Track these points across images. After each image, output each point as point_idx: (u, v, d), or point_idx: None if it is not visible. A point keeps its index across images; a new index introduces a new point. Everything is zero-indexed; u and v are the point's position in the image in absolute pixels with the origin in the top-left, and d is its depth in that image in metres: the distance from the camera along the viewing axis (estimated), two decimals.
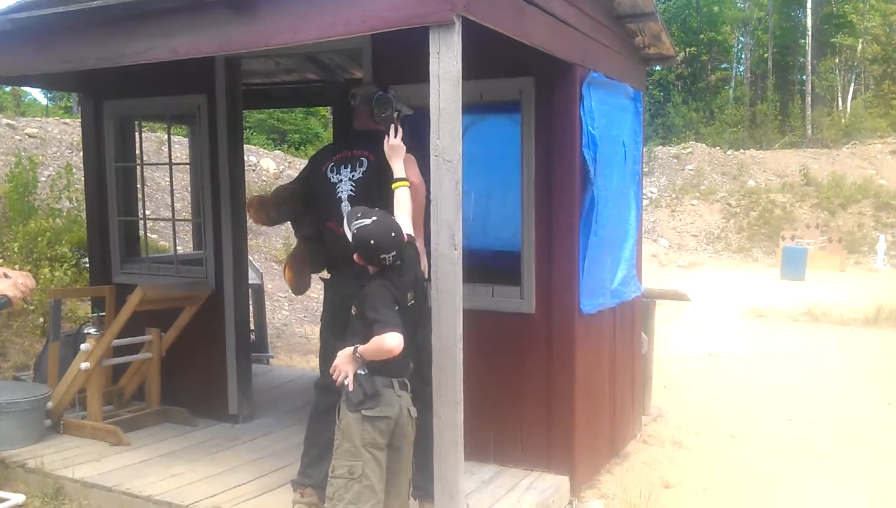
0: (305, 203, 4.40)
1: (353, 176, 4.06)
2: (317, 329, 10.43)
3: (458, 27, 3.18)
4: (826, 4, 39.16)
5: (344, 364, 3.29)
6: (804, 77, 38.44)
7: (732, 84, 41.70)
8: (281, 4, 3.54)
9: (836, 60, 39.48)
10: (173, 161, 7.22)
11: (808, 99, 36.52)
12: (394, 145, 3.71)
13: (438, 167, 3.28)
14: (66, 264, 8.61)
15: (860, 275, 18.73)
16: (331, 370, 3.34)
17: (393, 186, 3.67)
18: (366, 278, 3.39)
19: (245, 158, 7.30)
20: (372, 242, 3.27)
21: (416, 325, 3.47)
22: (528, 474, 4.72)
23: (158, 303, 5.56)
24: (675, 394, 7.72)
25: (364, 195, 3.98)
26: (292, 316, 11.11)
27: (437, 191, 3.32)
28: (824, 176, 25.58)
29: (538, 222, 4.71)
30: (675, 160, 28.71)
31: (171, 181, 7.21)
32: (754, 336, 11.09)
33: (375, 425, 3.27)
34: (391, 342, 3.10)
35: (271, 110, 27.06)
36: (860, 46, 38.23)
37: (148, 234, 8.00)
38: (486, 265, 4.87)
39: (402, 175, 3.68)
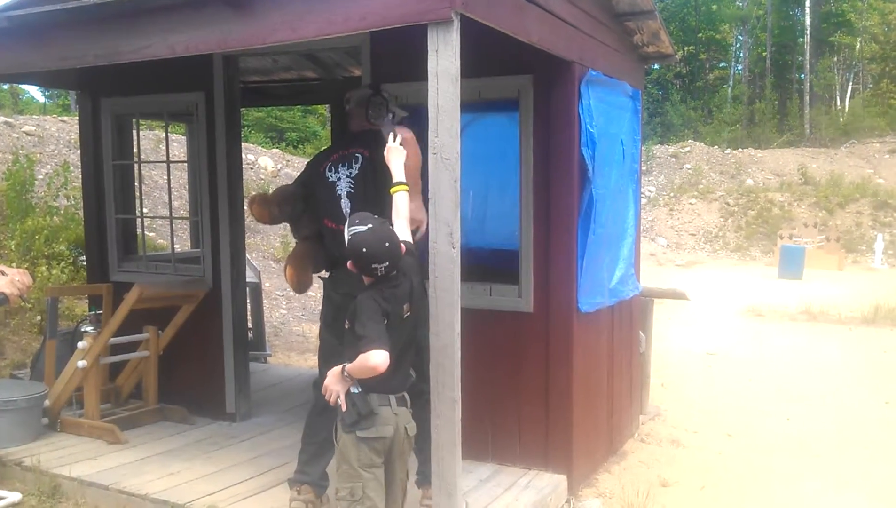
0: (304, 205, 4.42)
1: (350, 173, 4.09)
2: (314, 328, 10.46)
3: (456, 25, 3.17)
4: (824, 3, 39.16)
5: (334, 384, 3.21)
6: (802, 76, 38.43)
7: (731, 83, 41.69)
8: (280, 2, 3.52)
9: (835, 59, 39.47)
10: (171, 159, 7.20)
11: (807, 98, 36.51)
12: (393, 149, 3.67)
13: (437, 165, 3.28)
14: (64, 262, 8.60)
15: (858, 274, 18.74)
16: (322, 391, 3.27)
17: (391, 190, 3.61)
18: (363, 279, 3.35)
19: (243, 156, 7.27)
20: (364, 250, 3.19)
21: (413, 336, 3.40)
22: (526, 472, 4.71)
23: (156, 301, 5.56)
24: (673, 393, 7.72)
25: (362, 191, 4.00)
26: (290, 315, 11.11)
27: (435, 189, 3.31)
28: (822, 175, 25.60)
29: (536, 221, 4.70)
30: (673, 159, 28.71)
31: (169, 179, 7.20)
32: (752, 335, 11.09)
33: (371, 445, 3.21)
34: (375, 359, 3.01)
35: (269, 108, 27.02)
36: (858, 45, 38.21)
37: (145, 232, 7.99)
38: (485, 264, 4.87)
39: (402, 179, 3.61)
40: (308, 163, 4.77)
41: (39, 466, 4.75)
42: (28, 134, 13.23)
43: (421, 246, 3.64)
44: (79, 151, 6.74)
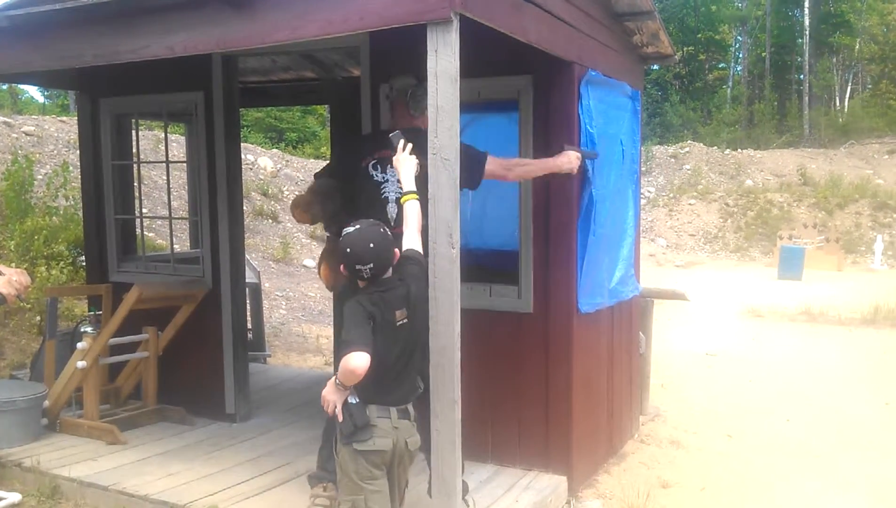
0: (343, 198, 4.23)
1: (390, 176, 3.92)
2: (314, 328, 10.47)
3: (455, 25, 3.17)
4: (824, 4, 39.19)
5: (330, 395, 3.10)
6: (802, 76, 38.47)
7: (730, 83, 41.73)
8: (279, 2, 3.52)
9: (834, 60, 39.53)
10: (170, 159, 7.20)
11: (806, 98, 36.56)
12: (402, 159, 3.57)
13: (436, 165, 3.27)
14: (63, 263, 8.59)
15: (858, 275, 18.74)
16: (321, 402, 3.18)
17: (401, 200, 3.50)
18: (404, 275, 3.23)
19: (242, 156, 7.28)
20: (348, 250, 3.09)
21: (415, 345, 3.27)
22: (526, 473, 4.71)
23: (155, 302, 5.55)
24: (673, 394, 7.72)
25: None
26: (290, 315, 11.11)
27: (434, 189, 3.30)
28: (822, 176, 25.61)
29: (536, 222, 4.70)
30: (672, 160, 28.73)
31: (168, 179, 7.20)
32: (752, 336, 11.10)
33: (369, 458, 3.10)
34: (353, 361, 2.88)
35: (269, 109, 27.05)
36: (857, 46, 38.27)
37: (145, 232, 7.98)
38: (484, 264, 4.87)
39: (412, 188, 3.49)
40: (343, 147, 4.56)
41: (39, 467, 4.74)
42: (27, 134, 13.24)
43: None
44: (78, 152, 6.73)
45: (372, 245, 3.09)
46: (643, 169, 23.47)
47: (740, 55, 42.36)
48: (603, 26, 5.14)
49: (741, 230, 23.75)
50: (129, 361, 5.78)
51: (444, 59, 3.19)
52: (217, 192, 5.75)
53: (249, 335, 7.45)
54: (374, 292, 3.12)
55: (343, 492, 3.19)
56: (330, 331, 9.45)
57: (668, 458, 5.82)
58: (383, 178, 4.01)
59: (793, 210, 23.78)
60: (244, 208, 6.18)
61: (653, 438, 6.22)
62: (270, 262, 13.52)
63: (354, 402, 3.08)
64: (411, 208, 3.43)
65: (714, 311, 12.82)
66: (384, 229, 3.20)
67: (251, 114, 27.82)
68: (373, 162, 4.05)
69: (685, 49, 40.90)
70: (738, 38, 42.43)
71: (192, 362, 5.87)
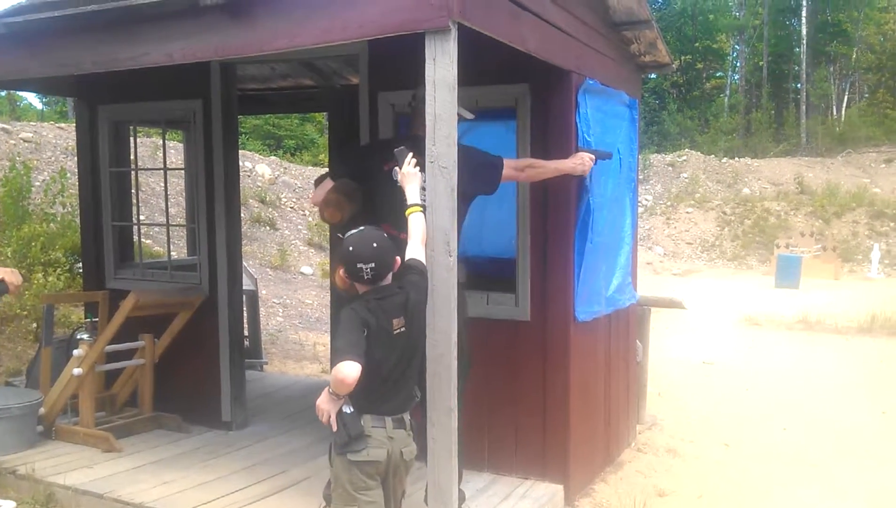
0: (363, 201, 4.16)
1: (423, 185, 3.95)
2: (311, 336, 10.45)
3: (453, 33, 3.17)
4: (821, 13, 39.33)
5: (324, 404, 3.06)
6: (799, 85, 38.57)
7: (727, 92, 41.83)
8: (278, 10, 3.52)
9: (831, 69, 39.64)
10: (168, 166, 7.20)
11: (803, 107, 36.65)
12: (407, 173, 3.56)
13: (434, 173, 3.28)
14: (60, 269, 8.58)
15: (854, 283, 18.76)
16: (316, 411, 3.14)
17: (406, 212, 3.48)
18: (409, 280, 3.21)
19: (240, 163, 7.27)
20: (350, 248, 3.09)
21: (413, 354, 3.24)
22: (523, 482, 4.70)
23: (152, 309, 5.54)
24: (670, 402, 7.72)
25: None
26: (287, 323, 11.09)
27: (432, 197, 3.31)
28: (819, 184, 25.68)
29: (533, 229, 4.71)
30: (670, 168, 28.78)
31: (166, 186, 7.21)
32: (749, 344, 11.10)
33: (363, 469, 3.07)
34: (343, 370, 2.84)
35: (267, 116, 27.08)
36: (855, 55, 38.41)
37: (142, 239, 7.97)
38: (482, 272, 4.86)
39: (416, 200, 3.48)
40: (363, 149, 4.54)
41: (34, 474, 4.72)
42: (25, 141, 13.24)
43: None
44: (76, 158, 6.73)
45: (375, 245, 3.10)
46: (640, 177, 23.49)
47: (738, 64, 42.48)
48: (600, 35, 5.15)
49: (738, 239, 23.79)
50: (126, 368, 5.77)
51: (441, 68, 3.19)
52: (215, 199, 5.75)
53: (246, 343, 7.44)
54: (371, 299, 3.10)
55: (337, 503, 3.17)
56: (327, 339, 9.44)
57: (665, 467, 5.82)
58: None
59: (790, 219, 23.83)
60: (242, 215, 6.17)
61: (649, 446, 6.21)
62: (268, 269, 13.51)
63: (349, 412, 3.05)
64: (416, 220, 3.42)
65: (711, 319, 12.82)
66: (387, 235, 3.22)
67: (249, 121, 27.83)
68: (396, 167, 4.03)
69: (683, 58, 41.00)
70: (736, 47, 42.55)
71: (189, 369, 5.86)
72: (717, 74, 45.42)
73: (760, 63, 40.42)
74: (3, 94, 29.67)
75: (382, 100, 5.00)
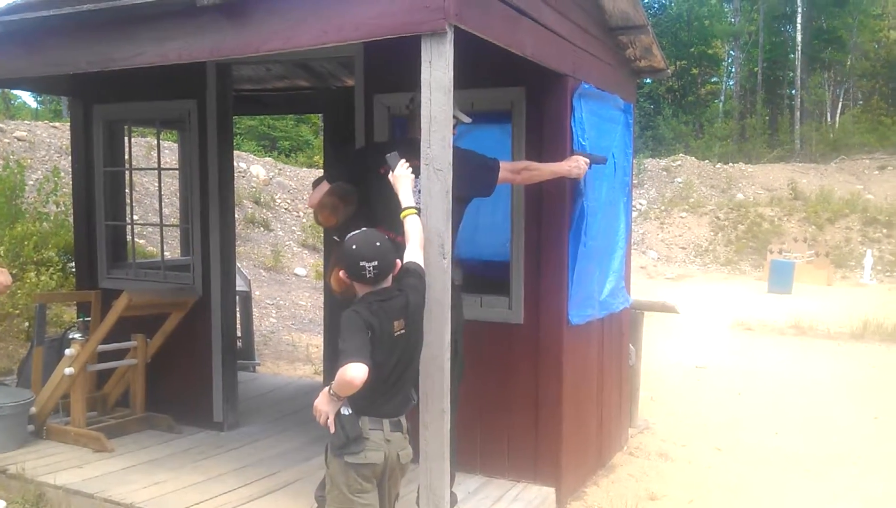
0: (360, 204, 4.16)
1: (418, 188, 3.95)
2: (304, 337, 10.44)
3: (450, 36, 3.17)
4: (816, 20, 39.50)
5: (323, 405, 3.06)
6: (793, 92, 38.76)
7: (722, 98, 41.97)
8: (274, 11, 3.52)
9: (826, 76, 39.82)
10: (162, 166, 7.19)
11: (797, 113, 36.82)
12: (399, 176, 3.56)
13: (428, 176, 3.28)
14: (53, 269, 8.56)
15: (847, 289, 18.83)
16: (313, 412, 3.13)
17: (402, 215, 3.46)
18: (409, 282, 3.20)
19: (235, 164, 7.27)
20: (353, 247, 3.09)
21: (411, 357, 3.23)
22: (515, 485, 4.70)
23: (144, 309, 5.53)
24: (663, 406, 7.73)
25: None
26: (279, 324, 11.08)
27: (427, 199, 3.31)
28: (812, 190, 25.78)
29: (527, 233, 4.71)
30: (664, 173, 28.85)
31: (160, 186, 7.18)
32: (741, 349, 11.13)
33: (360, 471, 3.06)
34: (351, 372, 2.82)
35: (262, 117, 27.03)
36: (849, 62, 38.57)
37: (135, 239, 7.96)
38: (476, 275, 4.86)
39: (411, 203, 3.47)
40: (358, 153, 4.55)
41: (24, 474, 4.70)
42: (19, 139, 13.20)
43: None
44: (70, 157, 6.71)
45: (378, 244, 3.10)
46: (635, 182, 23.60)
47: (733, 70, 42.62)
48: (596, 40, 5.17)
49: (732, 244, 23.85)
50: (118, 368, 5.75)
51: (437, 70, 3.20)
52: (209, 199, 5.74)
53: (239, 344, 7.43)
54: (372, 301, 3.09)
55: (332, 505, 3.15)
56: (320, 340, 9.44)
57: (657, 470, 5.82)
58: None
59: (783, 224, 23.90)
60: (236, 215, 6.16)
61: (641, 450, 6.22)
62: (261, 270, 13.50)
63: (347, 413, 3.04)
64: (413, 224, 3.40)
65: (704, 324, 12.85)
66: (387, 237, 3.23)
67: (244, 122, 27.77)
68: (391, 171, 4.02)
69: (678, 63, 41.14)
70: (731, 52, 42.71)
71: (181, 370, 5.85)
72: (712, 80, 45.57)
73: (755, 69, 40.57)
74: None
75: (378, 102, 5.00)
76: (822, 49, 39.22)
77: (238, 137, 26.54)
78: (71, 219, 7.25)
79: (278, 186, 17.97)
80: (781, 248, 21.77)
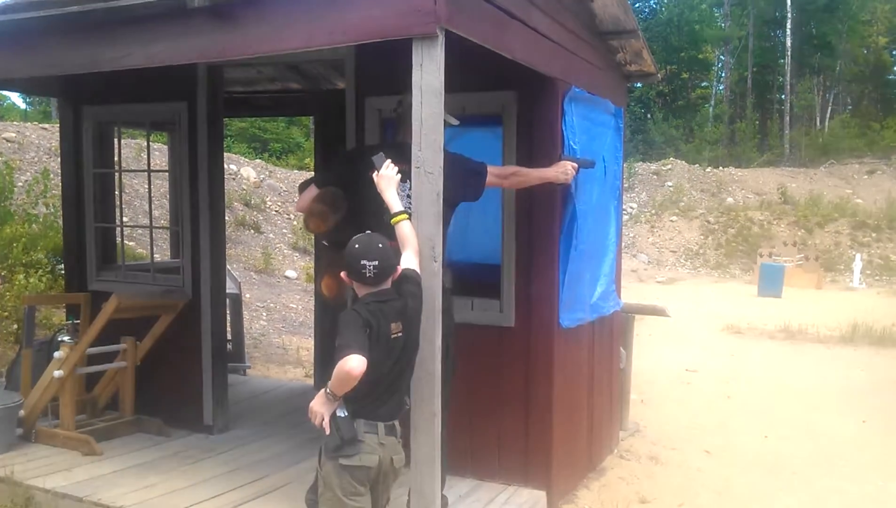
0: (349, 209, 4.12)
1: (409, 192, 3.93)
2: (294, 340, 10.42)
3: (441, 40, 3.17)
4: (806, 25, 39.71)
5: (319, 406, 3.03)
6: (783, 96, 38.95)
7: (712, 102, 42.11)
8: (263, 14, 3.51)
9: (815, 81, 40.04)
10: (152, 168, 7.16)
11: (787, 118, 37.00)
12: (384, 177, 3.52)
13: (419, 179, 3.28)
14: (42, 271, 8.52)
15: (836, 293, 18.92)
16: (308, 414, 3.10)
17: (392, 221, 3.42)
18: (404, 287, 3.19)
19: (225, 166, 7.25)
20: (357, 246, 3.10)
21: (407, 360, 3.22)
22: (506, 488, 4.70)
23: (134, 311, 5.51)
24: (653, 409, 7.74)
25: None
26: (270, 327, 11.05)
27: (417, 203, 3.31)
28: (802, 195, 25.92)
29: (518, 236, 4.72)
30: (654, 176, 28.95)
31: (150, 189, 7.14)
32: (731, 353, 11.16)
33: (354, 474, 3.05)
34: (350, 362, 2.80)
35: (253, 119, 26.99)
36: (839, 67, 38.80)
37: (125, 241, 7.93)
38: (466, 278, 4.87)
39: (400, 208, 3.43)
40: (347, 156, 4.52)
41: (13, 477, 4.67)
42: (8, 141, 13.13)
43: None
44: (59, 159, 6.68)
45: (380, 245, 3.12)
46: (625, 185, 23.61)
47: (723, 74, 42.79)
48: (587, 44, 5.18)
49: (722, 247, 23.95)
50: (107, 371, 5.72)
51: (428, 74, 3.20)
52: (199, 202, 5.72)
53: (229, 346, 7.41)
54: (371, 302, 3.09)
55: (325, 507, 3.14)
56: (310, 343, 9.41)
57: (647, 473, 5.83)
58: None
59: (773, 228, 24.02)
60: (226, 218, 6.14)
61: (632, 453, 6.23)
62: (252, 272, 13.47)
63: (343, 415, 3.02)
64: (406, 229, 3.37)
65: (694, 327, 12.89)
66: (389, 242, 3.23)
67: (235, 124, 27.75)
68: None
69: (668, 68, 41.27)
70: (721, 57, 42.85)
71: (171, 372, 5.82)
72: (703, 84, 45.75)
73: (745, 74, 40.76)
74: None
75: (369, 105, 5.00)
76: (812, 54, 39.45)
77: (229, 139, 26.50)
78: (60, 221, 7.22)
79: (269, 188, 17.94)
80: (771, 252, 21.88)
